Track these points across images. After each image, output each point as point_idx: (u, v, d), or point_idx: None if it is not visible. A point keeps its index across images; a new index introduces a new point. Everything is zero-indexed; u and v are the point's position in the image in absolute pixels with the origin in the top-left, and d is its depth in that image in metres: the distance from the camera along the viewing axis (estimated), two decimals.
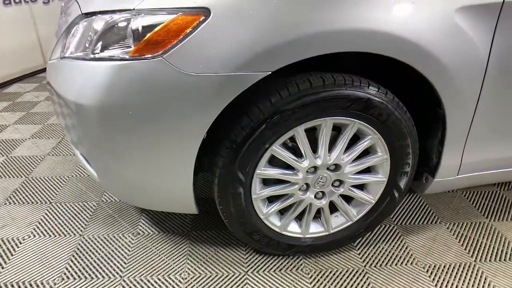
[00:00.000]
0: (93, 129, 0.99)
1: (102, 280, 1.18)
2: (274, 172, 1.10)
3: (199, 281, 1.19)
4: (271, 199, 1.19)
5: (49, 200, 1.55)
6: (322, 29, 0.87)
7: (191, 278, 1.20)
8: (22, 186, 1.65)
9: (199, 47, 0.88)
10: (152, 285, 1.17)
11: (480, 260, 1.30)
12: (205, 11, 0.88)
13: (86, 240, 1.34)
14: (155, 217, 1.47)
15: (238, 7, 0.87)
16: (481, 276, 1.23)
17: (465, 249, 1.34)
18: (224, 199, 1.11)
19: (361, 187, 1.23)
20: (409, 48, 0.94)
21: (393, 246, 1.36)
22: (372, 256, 1.31)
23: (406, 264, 1.28)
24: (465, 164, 1.22)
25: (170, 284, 1.17)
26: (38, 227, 1.40)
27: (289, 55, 0.89)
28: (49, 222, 1.43)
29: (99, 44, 0.96)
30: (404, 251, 1.33)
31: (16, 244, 1.32)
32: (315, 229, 1.26)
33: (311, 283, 1.20)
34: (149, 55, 0.90)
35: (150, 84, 0.91)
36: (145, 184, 1.06)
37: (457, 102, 1.06)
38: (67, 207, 1.51)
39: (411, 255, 1.32)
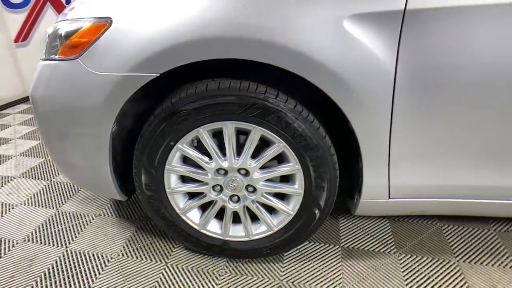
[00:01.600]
0: (38, 118, 1.20)
1: (52, 247, 1.38)
2: (183, 169, 1.17)
3: (122, 262, 1.30)
4: (193, 196, 1.26)
5: (50, 178, 1.86)
6: (194, 38, 0.93)
7: (117, 258, 1.32)
8: (38, 165, 2.00)
9: (102, 51, 1.03)
10: (86, 258, 1.33)
11: None
12: (109, 20, 1.02)
13: (59, 214, 1.58)
14: (119, 204, 1.65)
15: (132, 18, 0.99)
16: None
17: (406, 285, 1.19)
18: (140, 190, 1.21)
19: (283, 196, 1.21)
20: (294, 57, 0.92)
21: (325, 267, 1.28)
22: (295, 272, 1.26)
23: (327, 287, 1.19)
24: (396, 187, 1.10)
25: (99, 259, 1.32)
26: (31, 198, 1.70)
27: (170, 61, 0.97)
28: (41, 195, 1.72)
29: (47, 47, 1.17)
30: (333, 274, 1.24)
31: (9, 209, 1.62)
32: (237, 233, 1.27)
33: (219, 284, 1.21)
34: (70, 56, 1.07)
35: (70, 80, 1.08)
36: (74, 168, 1.23)
37: (364, 117, 0.99)
38: (60, 185, 1.79)
39: (340, 279, 1.22)
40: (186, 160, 1.19)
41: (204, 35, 0.92)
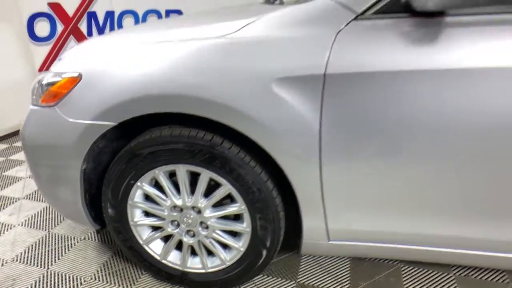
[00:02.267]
0: (26, 153, 1.38)
1: (35, 268, 1.54)
2: (143, 205, 1.29)
3: (93, 286, 1.43)
4: (156, 229, 1.37)
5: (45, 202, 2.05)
6: (140, 95, 1.07)
7: (89, 282, 1.45)
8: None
9: (74, 101, 1.19)
10: (62, 280, 1.47)
11: None
12: (80, 76, 1.18)
13: (49, 235, 1.75)
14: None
15: (96, 75, 1.16)
16: None
17: None
18: (108, 221, 1.35)
19: (236, 233, 1.30)
20: (226, 112, 1.04)
21: None
22: None
23: None
24: (334, 230, 1.17)
25: (74, 281, 1.45)
26: (28, 219, 1.88)
27: (123, 113, 1.11)
28: (37, 217, 1.90)
29: (35, 94, 1.36)
30: None
31: (7, 229, 1.81)
32: (195, 265, 1.37)
33: None
34: (50, 104, 1.25)
35: (49, 124, 1.25)
36: (55, 198, 1.39)
37: (295, 166, 1.07)
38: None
39: None
40: (148, 196, 1.32)
41: (148, 93, 1.06)
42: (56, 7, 3.40)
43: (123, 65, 1.13)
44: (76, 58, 1.26)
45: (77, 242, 1.70)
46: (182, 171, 1.20)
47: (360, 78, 0.97)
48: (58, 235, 1.75)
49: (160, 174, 1.22)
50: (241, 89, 1.03)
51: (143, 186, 1.25)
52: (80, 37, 3.66)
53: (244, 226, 1.24)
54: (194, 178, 1.24)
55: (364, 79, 0.96)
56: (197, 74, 1.05)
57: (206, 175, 1.18)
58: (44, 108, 1.26)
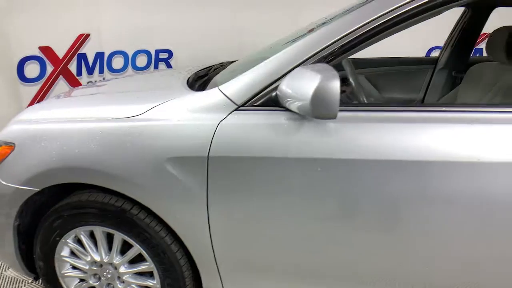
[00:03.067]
0: None
1: None
2: (69, 260, 1.43)
3: None
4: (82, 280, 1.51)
5: None
6: (52, 167, 1.25)
7: None
8: None
9: (7, 166, 1.36)
10: None
11: None
12: (13, 145, 1.36)
13: (1, 277, 1.88)
14: None
15: (24, 146, 1.33)
16: None
17: None
18: (39, 272, 1.48)
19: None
20: (128, 185, 1.19)
21: None
22: None
23: None
24: None
25: None
26: None
27: (42, 181, 1.28)
28: None
29: None
30: None
31: None
32: None
33: None
34: None
35: None
36: None
37: (189, 233, 1.21)
38: None
39: None
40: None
41: (62, 166, 1.24)
42: (46, 50, 3.69)
43: (43, 140, 1.30)
44: (16, 127, 1.44)
45: (24, 286, 1.83)
46: (98, 231, 1.34)
47: (236, 161, 1.11)
48: (9, 278, 1.88)
49: (81, 233, 1.36)
50: (140, 166, 1.18)
51: (68, 243, 1.39)
52: (69, 77, 3.93)
53: (155, 283, 1.36)
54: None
55: (239, 161, 1.11)
56: (104, 151, 1.21)
57: (118, 236, 1.32)
58: None
